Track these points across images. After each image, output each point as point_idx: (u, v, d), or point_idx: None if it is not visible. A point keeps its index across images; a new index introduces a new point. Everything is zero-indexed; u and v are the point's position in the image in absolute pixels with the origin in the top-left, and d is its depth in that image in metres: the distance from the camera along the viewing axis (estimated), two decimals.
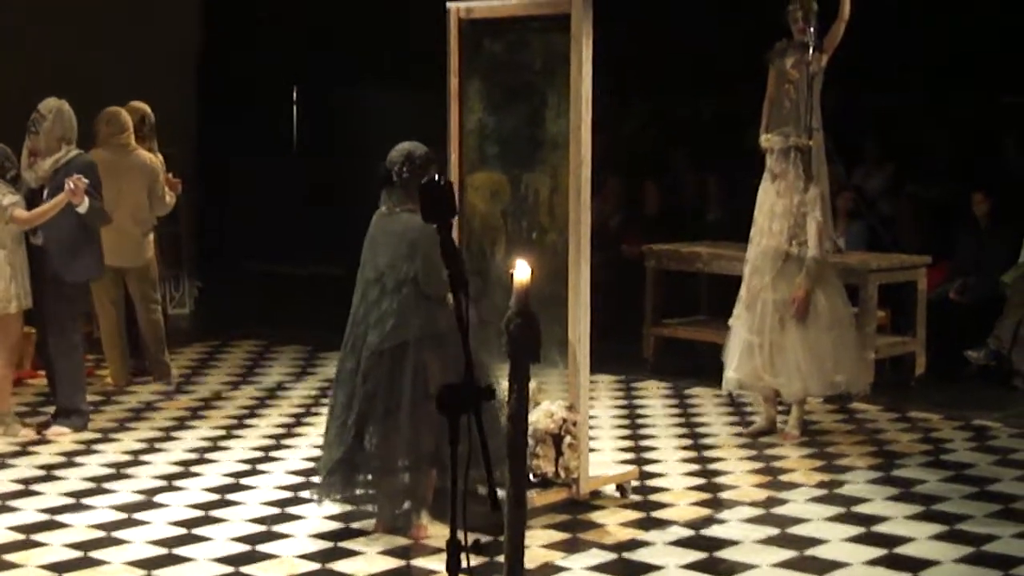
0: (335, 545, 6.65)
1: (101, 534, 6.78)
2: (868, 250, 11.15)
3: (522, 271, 4.35)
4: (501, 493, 4.08)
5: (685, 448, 8.59)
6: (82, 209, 8.58)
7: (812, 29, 10.31)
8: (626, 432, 9.01)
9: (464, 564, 3.82)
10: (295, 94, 16.98)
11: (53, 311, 8.73)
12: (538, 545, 6.65)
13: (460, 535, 3.84)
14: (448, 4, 7.40)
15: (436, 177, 3.66)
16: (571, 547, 6.66)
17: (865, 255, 10.66)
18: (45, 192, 8.63)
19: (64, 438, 8.59)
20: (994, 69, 12.61)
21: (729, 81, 12.68)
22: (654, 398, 10.04)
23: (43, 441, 8.53)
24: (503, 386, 7.19)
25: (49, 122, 8.70)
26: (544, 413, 7.11)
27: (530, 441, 7.02)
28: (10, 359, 8.70)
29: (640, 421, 9.32)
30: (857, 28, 10.39)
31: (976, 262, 11.11)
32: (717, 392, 9.48)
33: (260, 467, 8.06)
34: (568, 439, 7.08)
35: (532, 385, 7.25)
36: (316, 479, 6.92)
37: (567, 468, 7.10)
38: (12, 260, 8.47)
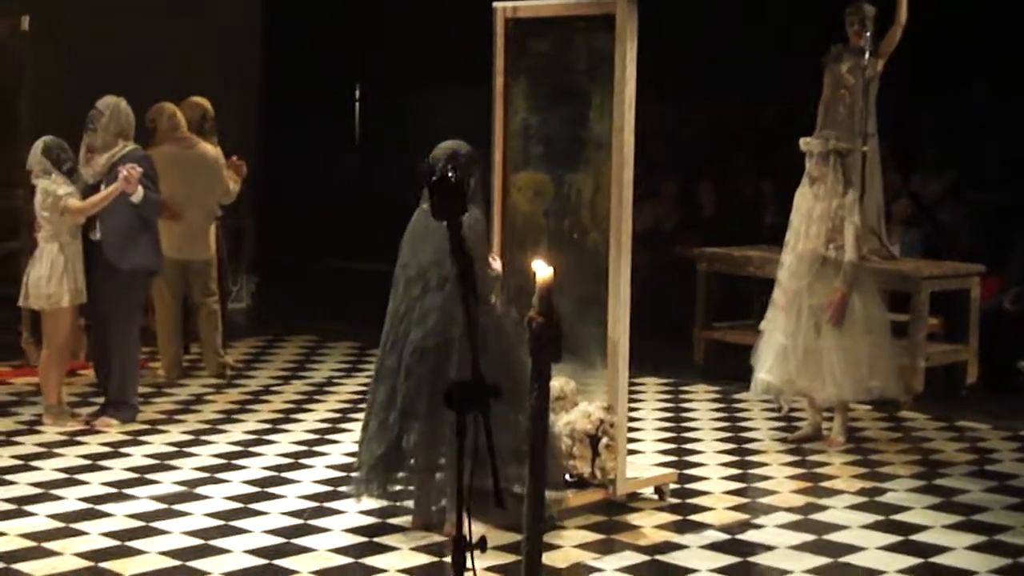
0: (370, 540, 6.69)
1: (140, 524, 6.85)
2: (924, 257, 11.07)
3: (543, 270, 4.34)
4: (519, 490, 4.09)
5: (727, 452, 8.57)
6: (136, 199, 8.68)
7: (868, 34, 10.29)
8: (669, 435, 9.00)
9: (469, 561, 3.80)
10: (357, 92, 17.10)
11: (111, 303, 8.83)
12: (571, 545, 6.66)
13: (467, 531, 3.80)
14: (494, 3, 7.42)
15: (448, 173, 3.67)
16: (604, 548, 6.66)
17: (918, 262, 10.59)
18: (102, 187, 8.72)
19: (112, 429, 8.68)
20: None
21: (790, 84, 12.62)
22: (701, 402, 10.01)
23: (91, 431, 8.62)
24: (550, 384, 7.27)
25: (106, 118, 8.82)
26: (581, 414, 7.11)
27: (567, 441, 7.04)
28: (61, 353, 8.81)
29: (685, 424, 9.30)
30: (915, 33, 10.34)
31: None
32: (765, 398, 9.42)
33: (303, 461, 8.12)
34: (605, 440, 7.07)
35: (572, 386, 7.32)
36: (354, 475, 6.91)
37: (603, 469, 7.10)
38: (66, 253, 8.59)
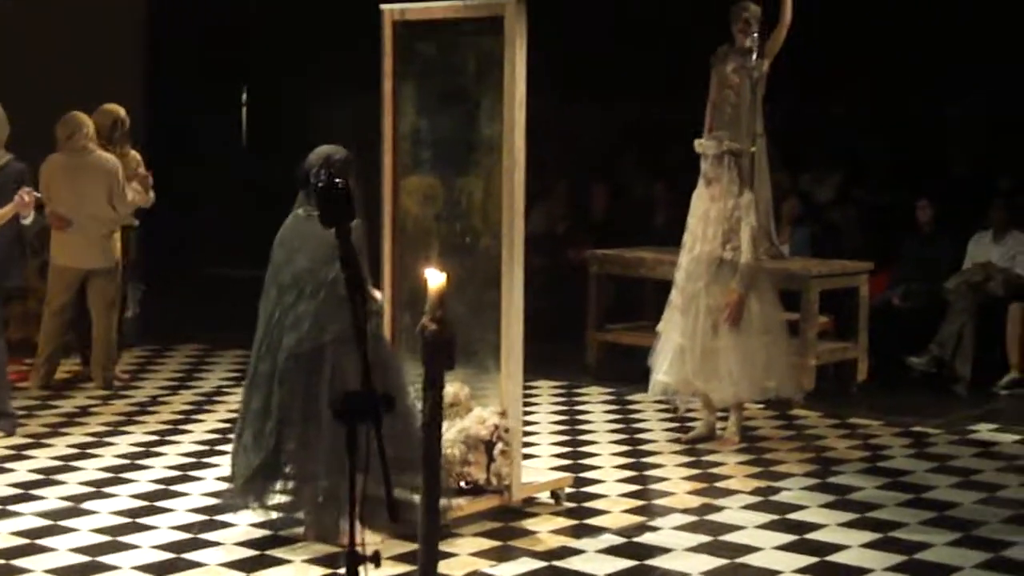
0: (262, 553, 6.56)
1: (24, 542, 6.67)
2: (813, 256, 11.13)
3: (435, 277, 4.28)
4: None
5: (623, 455, 8.54)
6: (27, 220, 8.67)
7: (755, 34, 10.32)
8: (564, 438, 8.96)
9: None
10: (245, 94, 16.91)
11: None
12: (467, 553, 6.59)
13: (359, 544, 3.71)
14: (381, 6, 7.33)
15: (334, 179, 3.58)
16: (501, 555, 6.59)
17: (807, 261, 10.65)
18: None
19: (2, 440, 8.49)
20: (938, 76, 12.63)
21: (679, 85, 12.65)
22: (595, 404, 9.99)
23: None
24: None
25: None
26: (476, 419, 7.04)
27: (462, 448, 6.96)
28: None
29: (579, 427, 9.27)
30: (800, 34, 10.40)
31: (919, 268, 11.11)
32: (659, 399, 9.39)
33: (192, 473, 7.97)
34: (500, 445, 7.01)
35: (466, 392, 7.25)
36: (229, 487, 6.76)
37: (499, 475, 7.03)
38: None
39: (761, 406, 9.68)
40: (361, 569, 3.74)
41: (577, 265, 11.74)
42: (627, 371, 10.55)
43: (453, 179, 7.30)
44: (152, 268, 13.68)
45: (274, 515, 6.81)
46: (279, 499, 6.79)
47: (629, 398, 10.10)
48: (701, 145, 8.68)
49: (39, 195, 8.82)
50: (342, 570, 6.16)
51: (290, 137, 15.30)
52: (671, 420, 9.43)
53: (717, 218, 8.57)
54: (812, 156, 13.06)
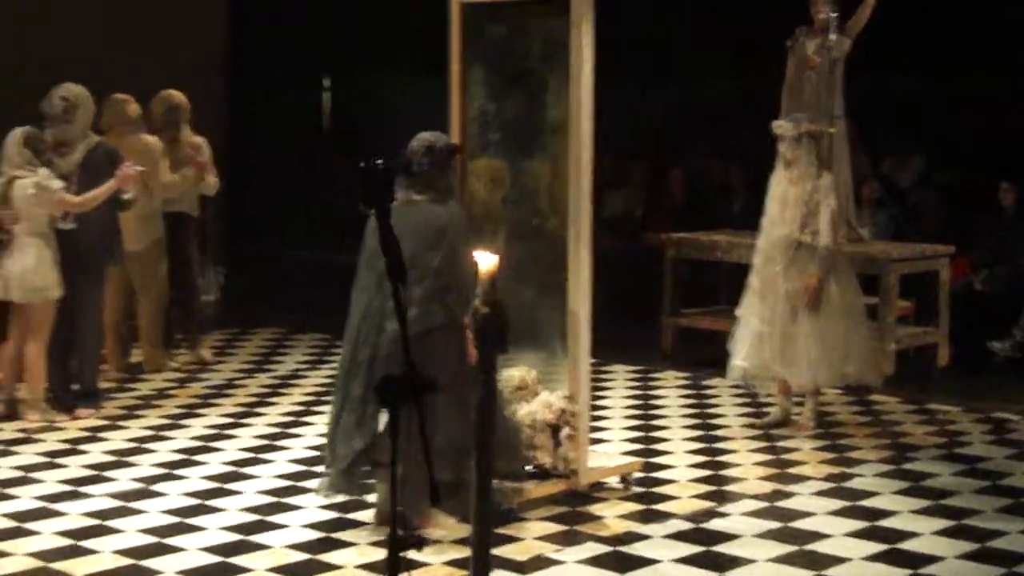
0: (328, 535, 6.58)
1: (94, 523, 6.74)
2: (893, 240, 10.98)
3: (487, 260, 4.24)
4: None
5: (695, 440, 8.48)
6: (128, 196, 8.86)
7: (835, 14, 10.17)
8: (637, 423, 8.90)
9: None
10: (327, 79, 16.97)
11: (87, 295, 8.86)
12: (533, 537, 6.57)
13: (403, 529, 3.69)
14: None
15: (375, 160, 3.56)
16: (566, 539, 6.56)
17: (887, 245, 10.50)
18: (73, 181, 8.63)
19: (78, 423, 8.60)
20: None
21: (757, 66, 12.52)
22: (670, 389, 9.93)
23: (49, 428, 8.50)
24: (510, 374, 7.18)
25: (82, 110, 8.82)
26: (542, 404, 7.01)
27: (528, 432, 6.93)
28: (46, 345, 8.69)
29: (653, 412, 9.21)
30: (884, 13, 10.24)
31: (1002, 252, 10.92)
32: (735, 384, 9.29)
33: (263, 456, 8.01)
34: (566, 430, 6.97)
35: (533, 376, 7.22)
36: (327, 470, 6.71)
37: (565, 459, 7.00)
38: (51, 246, 8.51)
39: (839, 391, 9.56)
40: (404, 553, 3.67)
41: (655, 249, 11.65)
42: (703, 356, 10.48)
43: (520, 162, 7.27)
44: (235, 252, 13.83)
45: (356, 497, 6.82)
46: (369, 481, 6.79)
47: (704, 383, 10.02)
48: (779, 127, 8.58)
49: (142, 169, 8.93)
50: (408, 553, 6.23)
51: (371, 123, 15.41)
52: (746, 406, 9.34)
53: (795, 201, 8.47)
54: (894, 139, 12.85)
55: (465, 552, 6.20)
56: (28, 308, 8.55)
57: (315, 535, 6.59)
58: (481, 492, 4.35)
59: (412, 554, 3.85)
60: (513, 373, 7.17)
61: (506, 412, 6.80)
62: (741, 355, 8.54)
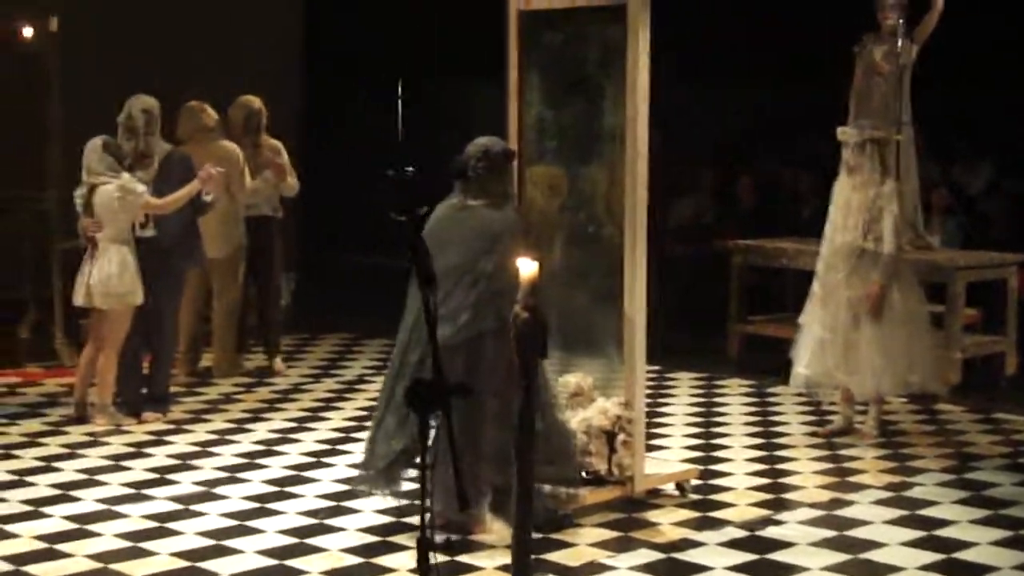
0: (384, 539, 6.63)
1: (154, 525, 6.83)
2: (963, 248, 10.88)
3: (527, 266, 4.28)
4: None
5: (756, 447, 8.45)
6: (209, 198, 9.00)
7: (902, 20, 10.12)
8: (698, 430, 8.89)
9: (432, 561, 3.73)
10: (400, 87, 17.06)
11: (166, 300, 9.02)
12: (586, 543, 6.58)
13: (429, 533, 3.73)
14: None
15: (405, 170, 3.61)
16: (620, 546, 6.57)
17: (953, 252, 10.42)
18: (150, 190, 8.78)
19: (144, 426, 8.73)
20: None
21: (826, 73, 12.47)
22: (734, 396, 9.90)
23: (116, 432, 8.62)
24: (566, 379, 7.21)
25: (157, 121, 8.96)
26: (598, 410, 7.03)
27: (583, 438, 6.95)
28: (119, 351, 8.82)
29: (715, 419, 9.19)
30: (953, 18, 10.18)
31: None
32: (799, 391, 9.23)
33: (325, 459, 8.08)
34: (622, 436, 6.98)
35: (589, 382, 7.24)
36: (367, 472, 6.80)
37: (621, 466, 7.01)
38: (133, 253, 8.66)
39: (904, 400, 9.50)
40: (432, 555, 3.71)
41: (722, 256, 11.62)
42: (768, 363, 10.43)
43: (577, 169, 7.30)
44: (307, 258, 13.95)
45: (404, 501, 6.87)
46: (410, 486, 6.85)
47: (769, 391, 9.98)
48: (844, 133, 8.54)
49: (222, 170, 9.07)
50: (460, 556, 6.29)
51: (445, 130, 15.47)
52: (810, 414, 9.30)
53: (858, 207, 8.42)
54: (964, 146, 12.75)
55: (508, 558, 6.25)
56: (108, 314, 8.68)
57: (371, 539, 6.64)
58: (522, 497, 4.39)
59: (447, 556, 3.85)
60: (569, 379, 7.20)
61: (560, 418, 6.82)
62: (804, 362, 8.51)
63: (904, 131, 10.21)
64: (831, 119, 9.34)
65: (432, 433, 6.64)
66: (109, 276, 8.54)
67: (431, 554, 3.75)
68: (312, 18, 14.79)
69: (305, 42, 14.74)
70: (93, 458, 8.05)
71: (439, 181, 7.26)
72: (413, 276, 6.77)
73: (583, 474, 6.96)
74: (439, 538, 3.90)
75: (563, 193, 7.35)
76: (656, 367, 10.71)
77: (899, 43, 10.11)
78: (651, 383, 10.20)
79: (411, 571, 6.16)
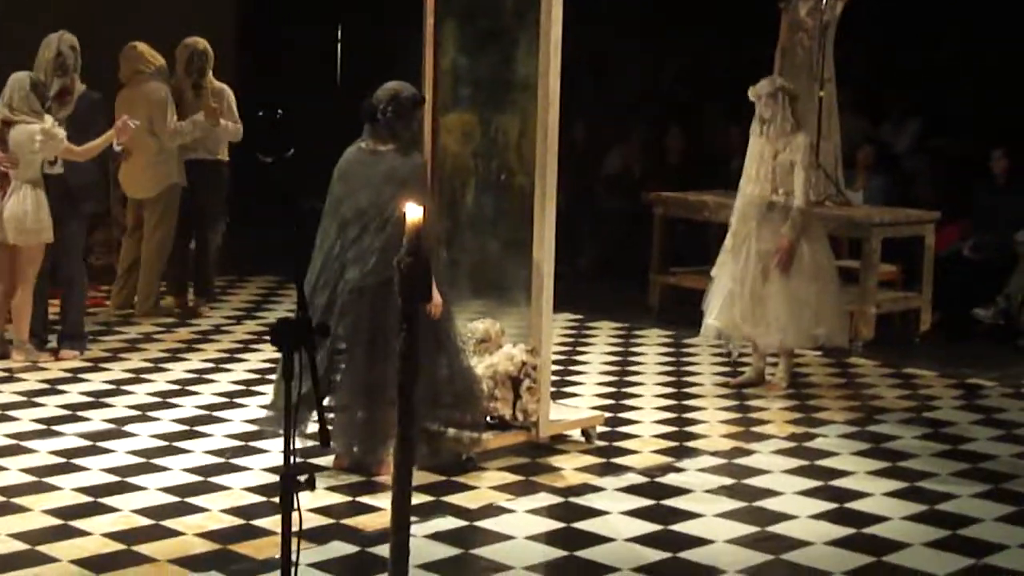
0: (310, 476, 6.65)
1: (60, 461, 6.88)
2: (886, 205, 10.99)
3: (412, 212, 4.33)
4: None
5: (666, 396, 8.57)
6: (120, 148, 9.19)
7: None
8: (612, 379, 8.99)
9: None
10: (339, 32, 17.00)
11: (75, 239, 9.04)
12: (487, 486, 6.68)
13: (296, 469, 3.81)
14: None
15: (273, 111, 3.65)
16: (520, 490, 6.67)
17: (871, 209, 10.54)
18: (63, 127, 8.77)
19: (60, 363, 8.77)
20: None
21: (759, 26, 12.54)
22: (651, 346, 10.01)
23: (32, 368, 8.65)
24: (475, 326, 7.29)
25: (76, 58, 8.95)
26: (504, 356, 7.11)
27: (488, 383, 7.04)
28: (32, 288, 8.82)
29: (630, 368, 9.30)
30: None
31: (992, 219, 10.93)
32: (716, 343, 9.33)
33: (238, 400, 8.14)
34: (527, 382, 7.07)
35: (497, 328, 7.32)
36: (271, 413, 6.89)
37: (525, 411, 7.10)
38: (43, 190, 8.64)
39: (818, 353, 9.64)
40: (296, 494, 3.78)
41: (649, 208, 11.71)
42: (688, 315, 10.51)
43: (490, 117, 7.36)
44: (247, 202, 13.91)
45: (309, 443, 6.94)
46: (315, 427, 6.91)
47: (686, 341, 10.09)
48: (754, 90, 8.59)
49: (137, 123, 9.08)
50: (360, 497, 6.37)
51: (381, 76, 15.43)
52: (724, 365, 9.41)
53: (769, 159, 8.51)
54: (893, 103, 12.86)
55: (419, 498, 6.35)
56: (23, 251, 8.69)
57: (273, 479, 6.68)
58: (403, 438, 4.46)
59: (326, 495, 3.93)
60: (478, 326, 7.28)
61: (466, 363, 6.91)
62: (713, 314, 8.62)
63: (827, 87, 10.31)
64: (763, 72, 9.41)
65: (339, 377, 6.83)
66: (25, 213, 8.54)
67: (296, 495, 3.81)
68: None
69: None
70: (7, 394, 8.08)
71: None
72: (323, 217, 6.89)
73: (488, 419, 7.05)
74: (301, 477, 3.93)
75: (476, 140, 7.41)
76: (578, 316, 10.83)
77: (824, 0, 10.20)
78: (571, 332, 10.34)
79: (309, 511, 6.26)
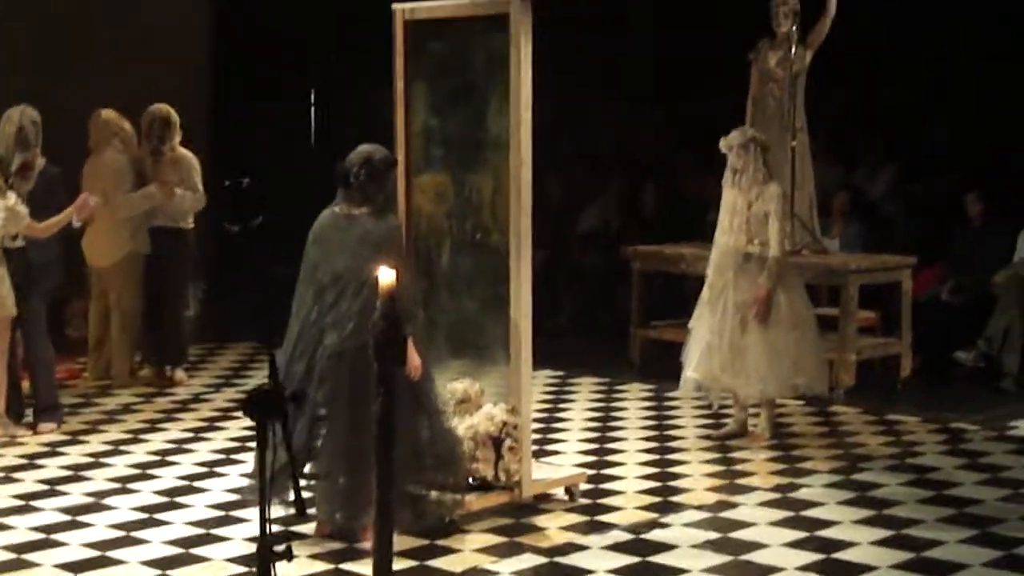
0: (287, 547, 6.58)
1: (39, 536, 6.81)
2: (864, 251, 11.00)
3: (385, 275, 4.31)
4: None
5: (649, 451, 8.52)
6: (77, 224, 9.18)
7: (795, 27, 10.26)
8: (594, 435, 8.95)
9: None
10: (312, 95, 17.03)
11: (38, 313, 8.96)
12: (472, 549, 6.62)
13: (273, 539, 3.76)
14: (393, 5, 7.38)
15: (240, 179, 3.64)
16: (505, 551, 6.61)
17: (848, 256, 10.55)
18: (23, 202, 8.74)
19: (38, 437, 8.71)
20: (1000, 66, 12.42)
21: (729, 80, 12.60)
22: (632, 401, 9.98)
23: (9, 443, 8.58)
24: (454, 387, 7.25)
25: (39, 132, 8.91)
26: (485, 416, 7.07)
27: (469, 444, 6.99)
28: (5, 362, 8.76)
29: (612, 424, 9.26)
30: (845, 25, 10.32)
31: (969, 263, 10.95)
32: (697, 395, 9.29)
33: (218, 470, 8.08)
34: (508, 442, 7.03)
35: (476, 388, 7.29)
36: (251, 482, 6.85)
37: (508, 471, 7.05)
38: (3, 265, 8.59)
39: (800, 403, 9.61)
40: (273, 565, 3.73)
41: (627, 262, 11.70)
42: (670, 368, 10.47)
43: (463, 176, 7.35)
44: (219, 268, 13.88)
45: (291, 511, 6.87)
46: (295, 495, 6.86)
47: (668, 395, 10.05)
48: (725, 141, 8.60)
49: (97, 199, 9.09)
50: (344, 565, 6.31)
51: (356, 138, 15.44)
52: (706, 417, 9.38)
53: (742, 209, 8.52)
54: (866, 149, 12.90)
55: (402, 563, 6.30)
56: None
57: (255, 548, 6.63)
58: (382, 505, 4.42)
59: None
60: (457, 386, 7.24)
61: (447, 425, 6.86)
62: (692, 366, 8.60)
63: (799, 137, 10.34)
64: (737, 125, 9.43)
65: (319, 444, 6.79)
66: None
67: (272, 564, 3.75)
68: (220, 22, 14.71)
69: (212, 54, 14.65)
70: None
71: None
72: (299, 284, 6.86)
73: (470, 480, 7.00)
74: (279, 548, 3.88)
75: (449, 200, 7.39)
76: (560, 372, 10.80)
77: (793, 49, 10.25)
78: (552, 388, 10.31)
79: None
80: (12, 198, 8.58)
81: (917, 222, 11.94)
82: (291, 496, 6.64)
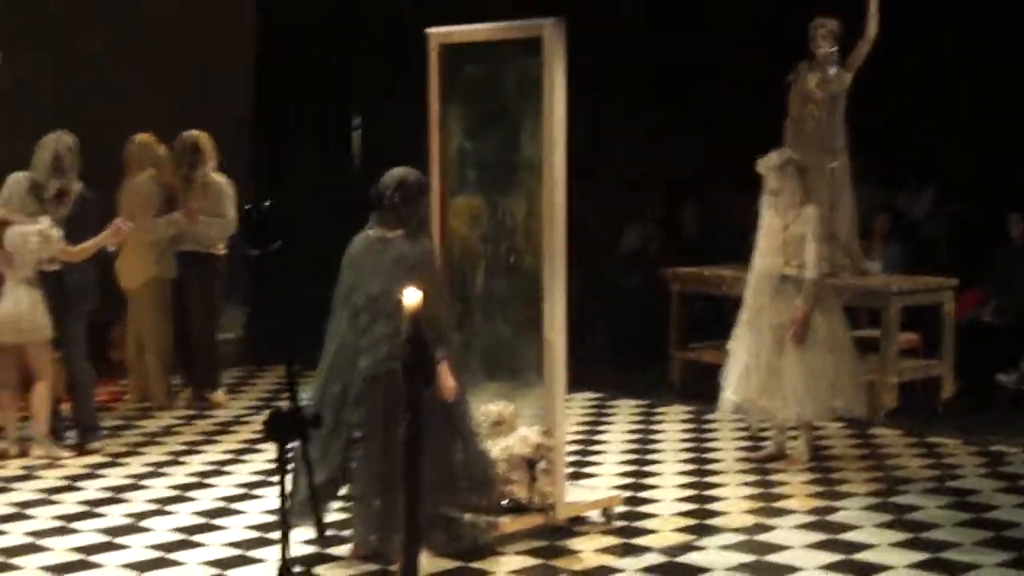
0: (306, 570, 6.64)
1: (77, 558, 6.86)
2: (905, 272, 10.96)
3: (410, 297, 4.33)
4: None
5: (686, 473, 8.50)
6: (112, 248, 9.32)
7: (835, 48, 10.24)
8: (632, 456, 8.93)
9: None
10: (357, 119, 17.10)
11: (77, 335, 9.05)
12: (505, 571, 6.62)
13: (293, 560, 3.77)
14: (428, 30, 7.42)
15: (260, 203, 3.66)
16: (538, 574, 6.61)
17: (889, 277, 10.50)
18: (61, 227, 8.83)
19: (80, 459, 8.77)
20: None
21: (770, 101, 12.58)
22: (672, 423, 9.96)
23: (51, 465, 8.65)
24: (488, 409, 7.26)
25: (75, 158, 8.98)
26: (519, 438, 7.08)
27: (503, 466, 7.00)
28: (51, 383, 8.88)
29: (650, 446, 9.24)
30: (888, 47, 10.29)
31: (1011, 284, 10.88)
32: (736, 417, 9.27)
33: (255, 492, 8.11)
34: (542, 464, 7.03)
35: (511, 411, 7.29)
36: (293, 504, 6.84)
37: (542, 493, 7.05)
38: (38, 288, 8.69)
39: (840, 425, 9.57)
40: None
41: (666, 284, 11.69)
42: (709, 390, 10.45)
43: (497, 199, 7.36)
44: (262, 292, 13.95)
45: (328, 532, 6.91)
46: (333, 517, 6.89)
47: (707, 417, 10.02)
48: (763, 163, 8.59)
49: (131, 225, 9.15)
50: None
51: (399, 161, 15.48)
52: (745, 439, 9.35)
53: (779, 231, 8.50)
54: (907, 171, 12.84)
55: None
56: (27, 349, 8.72)
57: (293, 570, 6.63)
58: (410, 529, 4.43)
59: None
60: (491, 408, 7.24)
61: (481, 447, 6.87)
62: (731, 388, 8.58)
63: (839, 158, 10.31)
64: (777, 146, 9.42)
65: (354, 466, 6.80)
66: (20, 312, 8.59)
67: None
68: (261, 48, 14.80)
69: (255, 74, 14.74)
70: (25, 492, 8.07)
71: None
72: (334, 307, 6.89)
73: (504, 502, 7.00)
74: (297, 570, 3.90)
75: (484, 223, 7.41)
76: (598, 395, 10.79)
77: (832, 71, 10.22)
78: (591, 411, 10.30)
79: None
80: (46, 222, 8.68)
81: (958, 243, 11.88)
82: (332, 516, 6.82)
